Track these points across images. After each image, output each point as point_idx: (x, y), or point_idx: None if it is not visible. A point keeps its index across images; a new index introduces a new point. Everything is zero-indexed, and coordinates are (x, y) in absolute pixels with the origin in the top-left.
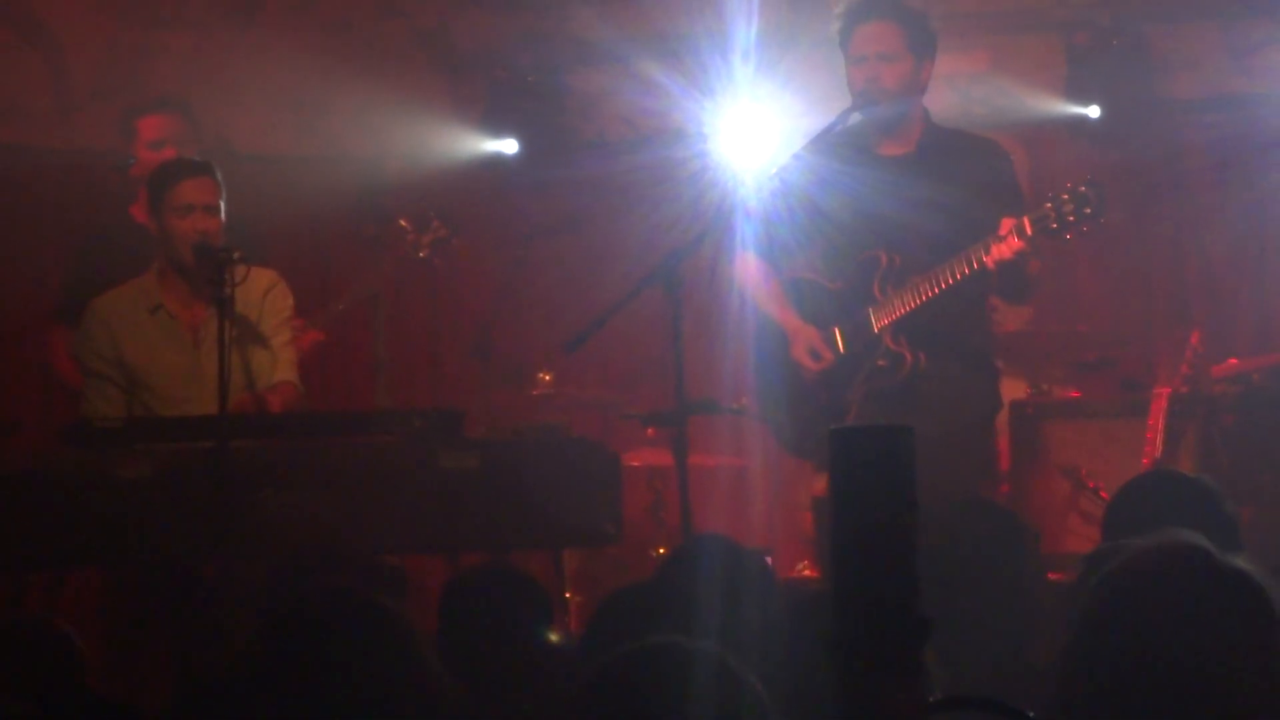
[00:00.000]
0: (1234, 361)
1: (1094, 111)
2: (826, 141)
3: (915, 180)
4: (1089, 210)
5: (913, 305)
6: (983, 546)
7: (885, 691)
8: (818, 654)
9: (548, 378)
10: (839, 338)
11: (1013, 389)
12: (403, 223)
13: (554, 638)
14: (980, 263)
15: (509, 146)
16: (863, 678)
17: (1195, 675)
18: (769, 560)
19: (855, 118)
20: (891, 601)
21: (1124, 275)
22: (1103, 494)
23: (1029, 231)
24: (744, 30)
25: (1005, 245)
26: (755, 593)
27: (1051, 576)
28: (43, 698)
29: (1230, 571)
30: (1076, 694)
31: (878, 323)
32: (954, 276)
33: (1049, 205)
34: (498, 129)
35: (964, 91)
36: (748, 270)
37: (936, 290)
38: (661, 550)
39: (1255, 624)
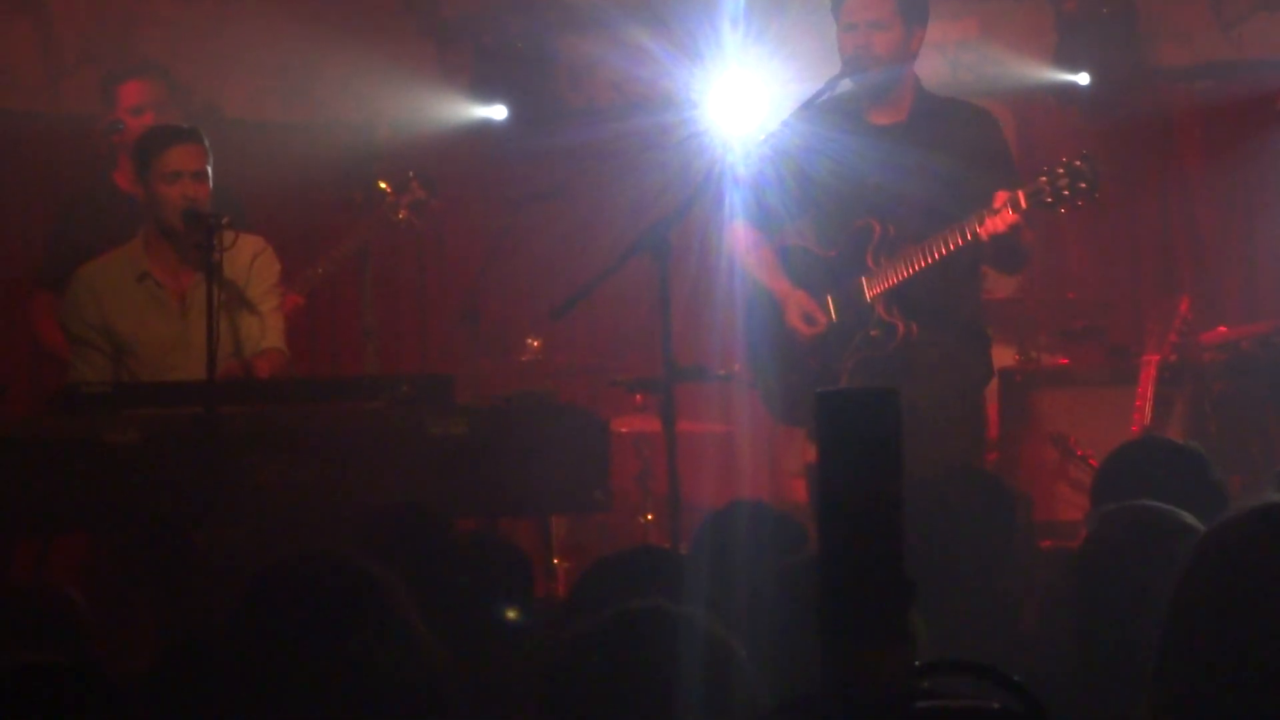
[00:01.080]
0: (1223, 329)
1: (1083, 79)
2: (816, 109)
3: (907, 148)
4: (1083, 185)
5: (905, 274)
6: (975, 515)
7: (870, 654)
8: (807, 620)
9: (536, 344)
10: (831, 305)
11: (1001, 357)
12: (381, 184)
13: (512, 614)
14: (974, 234)
15: (497, 113)
16: (847, 640)
17: None
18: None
19: (845, 85)
20: (877, 564)
21: (1113, 243)
22: (1091, 461)
23: (1023, 205)
24: None
25: (999, 218)
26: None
27: (1041, 544)
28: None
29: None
30: (1181, 679)
31: (870, 291)
32: (947, 247)
33: (1043, 179)
34: (486, 96)
35: (953, 58)
36: (738, 238)
37: (929, 260)
38: (650, 517)
39: None
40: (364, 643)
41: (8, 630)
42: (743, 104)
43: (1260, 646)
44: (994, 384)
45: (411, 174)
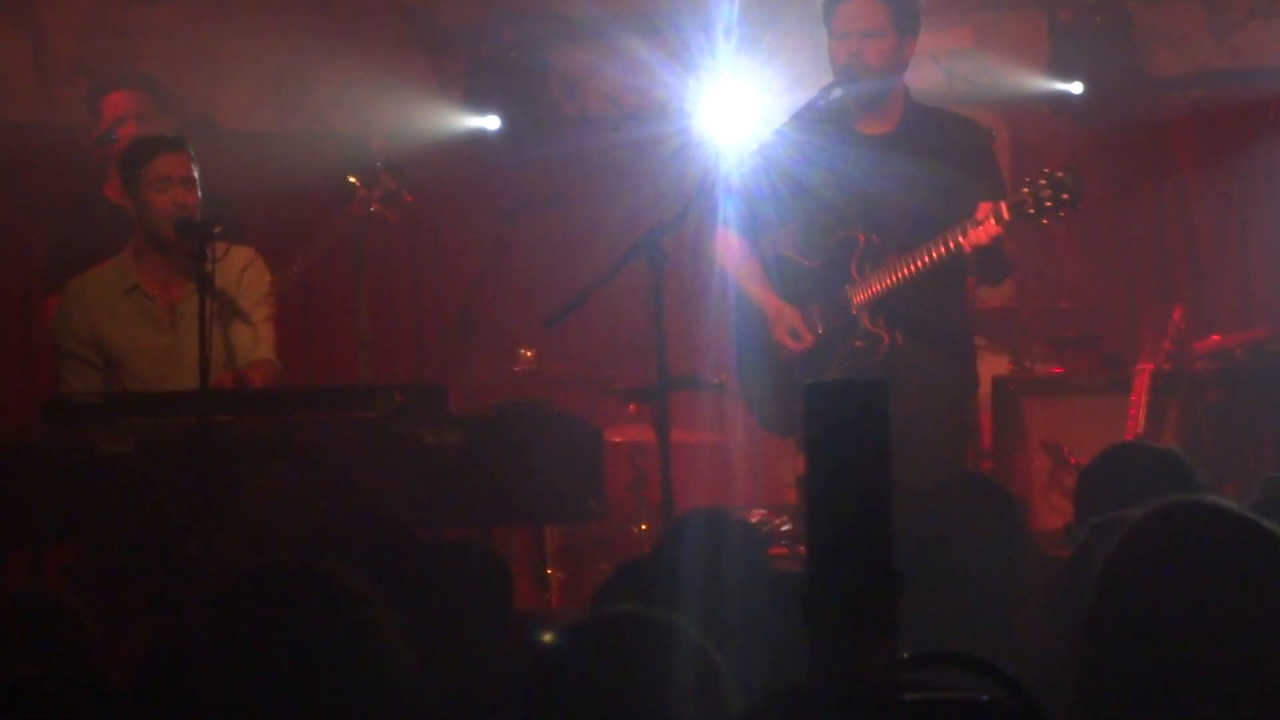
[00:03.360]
0: (1216, 337)
1: (1077, 88)
2: (808, 118)
3: (896, 158)
4: (1066, 196)
5: (889, 285)
6: (975, 520)
7: (857, 646)
8: (797, 625)
9: (530, 354)
10: (817, 316)
11: (995, 365)
12: (351, 179)
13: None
14: (957, 245)
15: (491, 123)
16: (834, 632)
17: (1218, 632)
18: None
19: (836, 94)
20: (864, 556)
21: (1106, 251)
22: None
23: (1006, 217)
24: (726, 7)
25: (982, 230)
26: (742, 565)
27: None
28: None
29: (1243, 521)
30: (1100, 664)
31: (855, 302)
32: (930, 258)
33: (1026, 191)
34: (480, 105)
35: (947, 68)
36: (728, 248)
37: (913, 270)
38: (644, 526)
39: (1275, 573)
40: (333, 652)
41: (8, 638)
42: (736, 114)
43: (1171, 646)
44: (987, 392)
45: (379, 165)
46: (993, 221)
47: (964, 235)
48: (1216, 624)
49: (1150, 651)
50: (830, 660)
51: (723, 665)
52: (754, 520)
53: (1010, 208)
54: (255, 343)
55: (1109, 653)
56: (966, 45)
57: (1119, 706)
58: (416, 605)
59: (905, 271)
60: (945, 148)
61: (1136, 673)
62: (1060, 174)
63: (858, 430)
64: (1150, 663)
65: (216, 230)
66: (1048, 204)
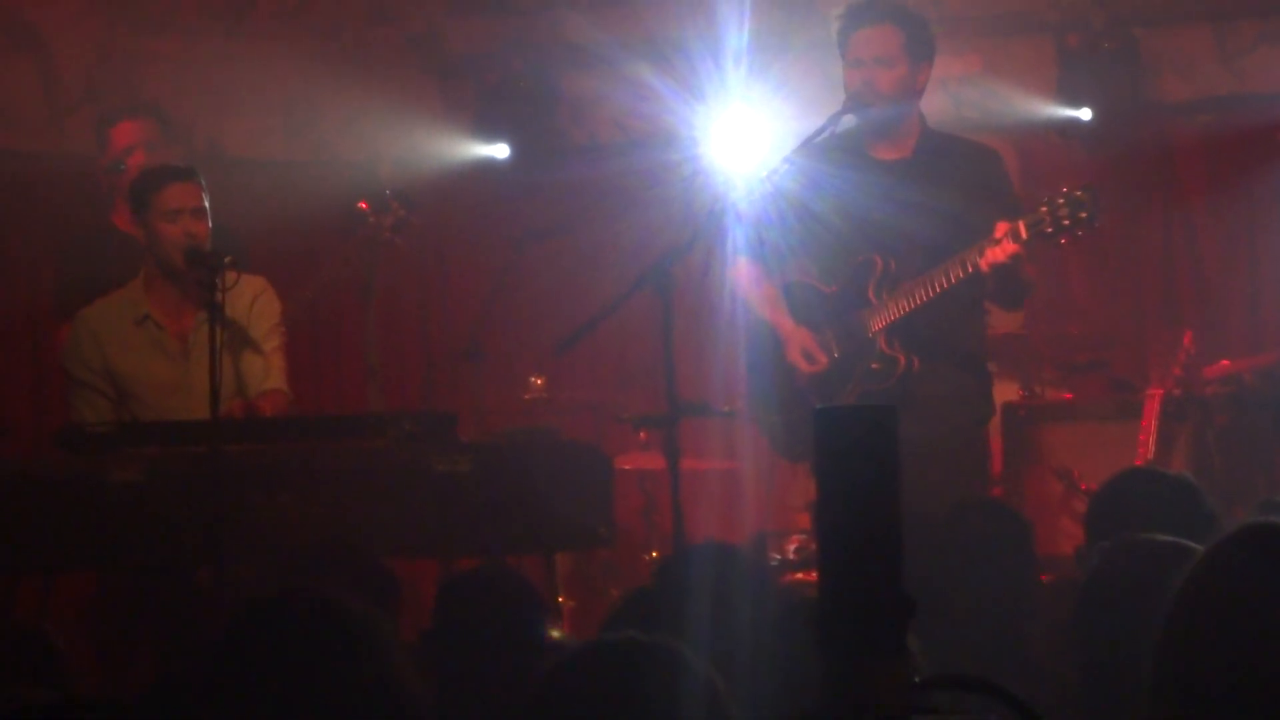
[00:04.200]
0: (1226, 363)
1: (1085, 114)
2: (818, 145)
3: (911, 184)
4: (1084, 215)
5: (906, 309)
6: (986, 544)
7: (868, 669)
8: (809, 649)
9: (540, 382)
10: (832, 340)
11: (1005, 391)
12: (361, 205)
13: (555, 634)
14: (974, 266)
15: (500, 151)
16: (846, 655)
17: None
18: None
19: (850, 121)
20: (875, 579)
21: (1116, 277)
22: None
23: (1024, 235)
24: (736, 34)
25: (1000, 249)
26: (748, 593)
27: (1042, 578)
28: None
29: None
30: (1180, 684)
31: (871, 326)
32: (948, 280)
33: (1044, 209)
34: (489, 133)
35: (955, 94)
36: (741, 275)
37: (930, 294)
38: (655, 554)
39: None
40: (342, 680)
41: None
42: (745, 141)
43: (1256, 665)
44: (997, 418)
45: (389, 192)
46: (1010, 241)
47: (981, 255)
48: None
49: (1234, 670)
50: (842, 683)
51: (726, 692)
52: (793, 546)
53: (1028, 226)
54: (266, 372)
55: (1191, 673)
56: (974, 71)
57: None
58: (455, 633)
59: (924, 295)
60: (961, 174)
61: (1219, 694)
62: (1079, 193)
63: (868, 454)
64: (1234, 682)
65: (227, 260)
66: (1065, 222)
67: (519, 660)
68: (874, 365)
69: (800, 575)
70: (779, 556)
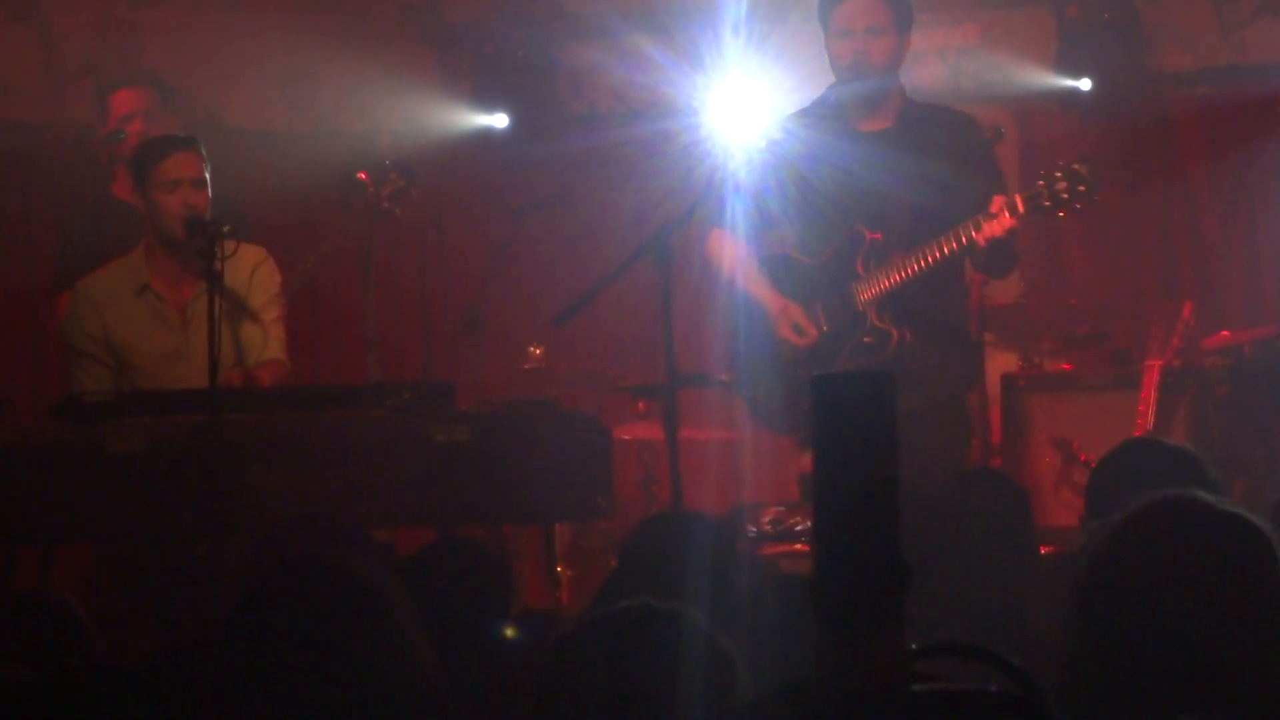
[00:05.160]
0: (1225, 334)
1: (1085, 85)
2: (811, 116)
3: (896, 154)
4: (1083, 188)
5: (898, 280)
6: (984, 514)
7: (865, 638)
8: (803, 623)
9: (539, 352)
10: (820, 313)
11: (1004, 362)
12: (361, 176)
13: (510, 631)
14: (970, 239)
15: (499, 121)
16: (843, 624)
17: (1204, 624)
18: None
19: (841, 92)
20: (872, 547)
21: (1115, 248)
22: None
23: (1021, 209)
24: (734, 3)
25: (996, 223)
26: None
27: (1042, 550)
28: (48, 667)
29: (1227, 516)
30: (1085, 660)
31: (862, 298)
32: (941, 253)
33: (1041, 183)
34: (487, 104)
35: (954, 65)
36: (725, 248)
37: (923, 265)
38: None
39: (1259, 567)
40: (358, 647)
41: (8, 638)
42: (744, 111)
43: (1166, 636)
44: (995, 389)
45: (388, 163)
46: (1007, 214)
47: (977, 229)
48: (1202, 616)
49: (1137, 643)
50: (838, 652)
51: (734, 654)
52: (768, 519)
53: (1026, 199)
54: (265, 342)
55: (1097, 645)
56: (974, 42)
57: (1108, 697)
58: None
59: (915, 267)
60: (943, 143)
61: (1124, 664)
62: (1076, 165)
63: (865, 422)
64: (1137, 654)
65: (226, 229)
66: (1064, 196)
67: (487, 630)
68: (866, 339)
69: (777, 548)
70: (754, 529)
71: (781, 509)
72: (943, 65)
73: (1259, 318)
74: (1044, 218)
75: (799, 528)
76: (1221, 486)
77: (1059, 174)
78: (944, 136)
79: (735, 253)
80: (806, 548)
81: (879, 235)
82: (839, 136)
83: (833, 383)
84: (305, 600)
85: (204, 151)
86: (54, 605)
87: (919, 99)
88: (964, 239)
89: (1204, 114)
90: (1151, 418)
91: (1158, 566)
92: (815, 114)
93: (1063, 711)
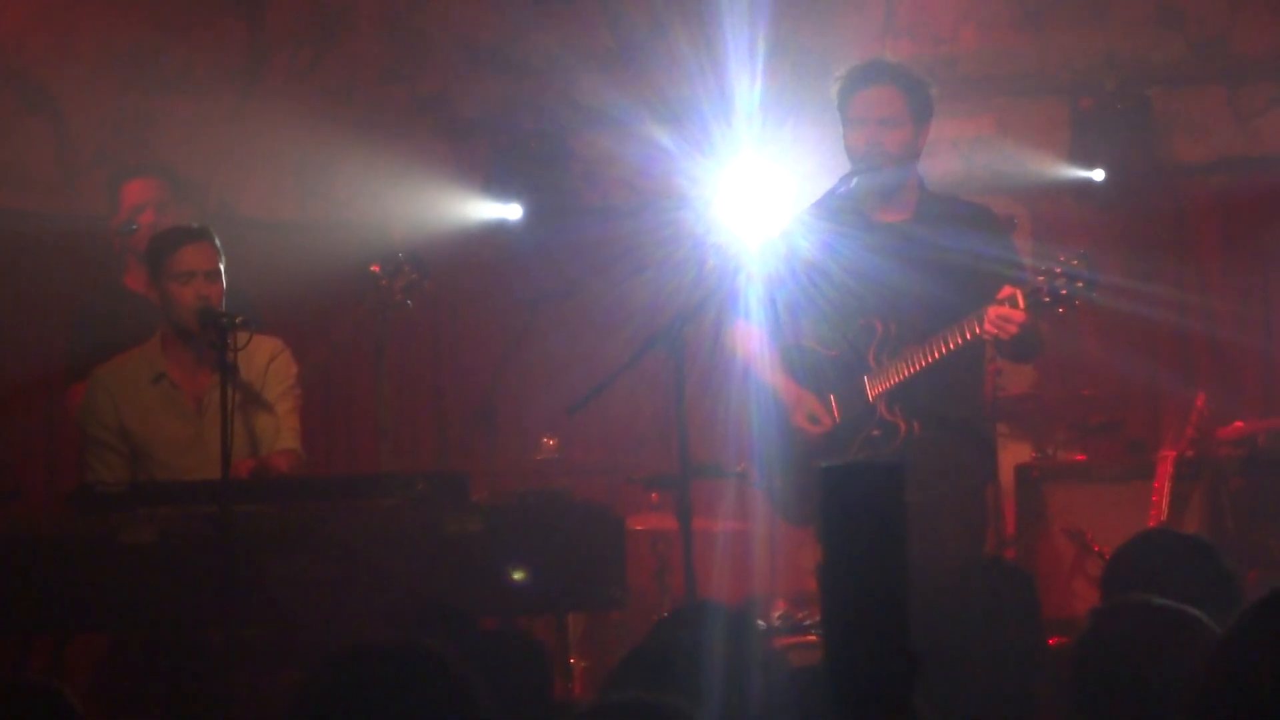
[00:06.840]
0: (1240, 424)
1: (1099, 175)
2: (828, 206)
3: (913, 246)
4: (1080, 284)
5: (906, 374)
6: (995, 603)
7: None
8: (814, 714)
9: (552, 443)
10: (834, 405)
11: (1018, 452)
12: (374, 268)
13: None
14: (974, 334)
15: (512, 211)
16: (852, 713)
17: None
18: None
19: (856, 182)
20: (880, 637)
21: (1129, 338)
22: (1108, 557)
23: (1020, 305)
24: (747, 94)
25: (1001, 319)
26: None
27: (1051, 642)
28: None
29: (1174, 614)
30: None
31: (872, 391)
32: (948, 345)
33: (1041, 279)
34: (501, 194)
35: (968, 155)
36: (746, 338)
37: (931, 359)
38: (667, 614)
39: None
40: None
41: None
42: (757, 201)
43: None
44: (1010, 479)
45: (401, 255)
46: (1009, 308)
47: (981, 323)
48: (1161, 703)
49: None
50: None
51: None
52: (777, 613)
53: (1025, 296)
54: (279, 432)
55: None
56: (988, 133)
57: None
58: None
59: (925, 360)
60: (962, 234)
61: None
62: (1074, 261)
63: (873, 512)
64: None
65: (238, 319)
66: (1062, 292)
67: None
68: (875, 431)
69: (787, 640)
70: (764, 623)
71: (790, 604)
72: (956, 155)
73: (1273, 408)
74: (1050, 312)
75: (807, 622)
76: (1236, 576)
77: (1058, 270)
78: (962, 228)
79: (753, 342)
80: (817, 639)
81: (893, 327)
82: (856, 227)
83: (841, 473)
84: (386, 678)
85: (218, 242)
86: (44, 693)
87: (935, 189)
88: (968, 333)
89: (1217, 204)
90: (1165, 508)
91: (1120, 662)
92: (835, 204)
93: None
